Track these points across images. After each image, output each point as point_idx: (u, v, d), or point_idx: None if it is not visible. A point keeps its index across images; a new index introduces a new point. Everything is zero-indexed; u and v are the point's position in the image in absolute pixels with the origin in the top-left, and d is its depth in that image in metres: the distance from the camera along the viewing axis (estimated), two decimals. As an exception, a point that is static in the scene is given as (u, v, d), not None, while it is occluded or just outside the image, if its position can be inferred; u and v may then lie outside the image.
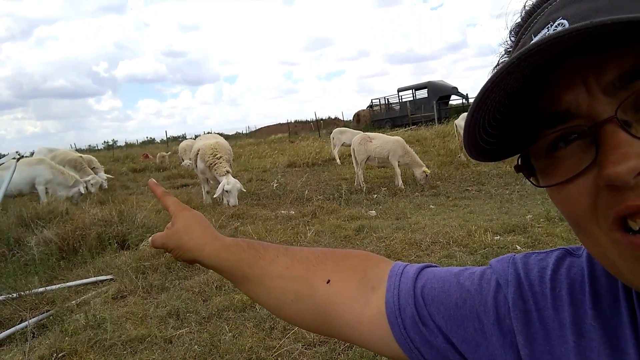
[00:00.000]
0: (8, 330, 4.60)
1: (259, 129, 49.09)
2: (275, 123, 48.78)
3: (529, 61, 0.50)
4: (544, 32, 0.54)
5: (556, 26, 0.53)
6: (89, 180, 12.91)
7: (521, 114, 0.60)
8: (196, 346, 4.00)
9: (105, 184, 14.68)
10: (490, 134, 0.61)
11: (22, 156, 5.42)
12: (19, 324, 4.70)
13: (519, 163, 0.63)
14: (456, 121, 14.22)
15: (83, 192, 12.03)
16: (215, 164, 9.67)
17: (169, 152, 23.97)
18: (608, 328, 0.60)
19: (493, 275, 0.74)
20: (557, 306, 0.66)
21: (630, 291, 0.61)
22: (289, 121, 45.82)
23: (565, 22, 0.52)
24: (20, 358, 4.01)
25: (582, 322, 0.63)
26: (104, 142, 56.58)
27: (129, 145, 49.70)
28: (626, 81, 0.50)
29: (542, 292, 0.68)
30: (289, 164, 16.63)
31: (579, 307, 0.64)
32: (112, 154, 32.76)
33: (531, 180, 0.63)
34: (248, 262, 0.92)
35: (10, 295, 5.25)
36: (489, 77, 0.52)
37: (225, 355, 3.75)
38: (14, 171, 5.59)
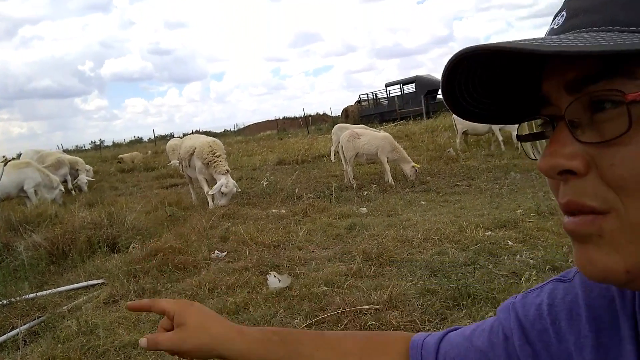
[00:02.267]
0: (0, 338, 4.55)
1: (247, 127, 48.99)
2: (263, 120, 48.73)
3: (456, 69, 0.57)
4: (554, 21, 0.56)
5: (560, 17, 0.55)
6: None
7: (520, 88, 0.62)
8: (190, 350, 3.97)
9: (84, 187, 14.62)
10: (475, 98, 0.63)
11: (9, 160, 5.35)
12: (10, 332, 4.65)
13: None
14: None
15: (62, 190, 12.15)
16: (214, 162, 9.57)
17: (149, 153, 23.88)
18: (610, 347, 0.61)
19: (500, 327, 0.75)
20: (560, 338, 0.67)
21: (630, 304, 0.61)
22: (277, 118, 45.76)
23: (564, 14, 0.55)
24: (10, 366, 3.98)
25: (583, 347, 0.63)
26: (91, 142, 56.23)
27: (116, 145, 49.38)
28: (586, 83, 0.51)
29: (544, 328, 0.69)
30: (278, 161, 16.60)
31: (579, 333, 0.64)
32: (99, 154, 32.57)
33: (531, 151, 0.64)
34: None
35: (1, 302, 5.20)
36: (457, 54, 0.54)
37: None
38: (1, 175, 5.52)
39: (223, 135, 42.96)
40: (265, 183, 11.22)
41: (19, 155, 14.79)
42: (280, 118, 47.03)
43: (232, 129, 51.26)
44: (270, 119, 46.59)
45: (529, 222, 6.12)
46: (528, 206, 6.81)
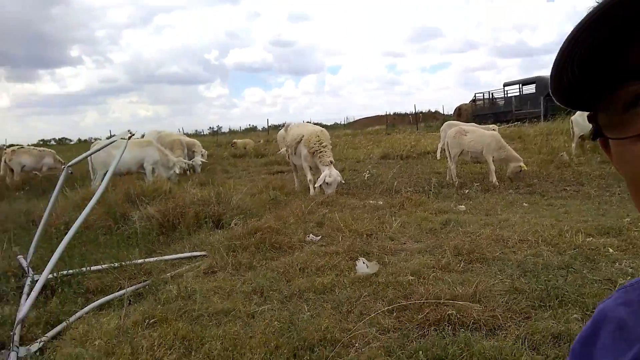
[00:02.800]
0: (108, 297, 5.03)
1: (356, 121, 49.29)
2: (373, 115, 48.78)
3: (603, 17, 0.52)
4: None
5: None
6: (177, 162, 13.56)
7: (607, 64, 0.58)
8: (276, 322, 4.19)
9: (198, 169, 15.42)
10: (576, 77, 0.61)
11: (133, 134, 5.84)
12: (118, 291, 5.11)
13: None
14: (573, 117, 13.09)
15: (178, 172, 12.86)
16: (320, 151, 9.76)
17: (261, 141, 24.63)
18: None
19: None
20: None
21: None
22: (387, 113, 45.59)
23: None
24: (116, 322, 4.38)
25: None
26: (210, 127, 59.06)
27: (232, 132, 51.55)
28: None
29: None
30: (382, 155, 16.64)
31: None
32: (215, 140, 34.19)
33: (601, 131, 0.63)
34: None
35: (113, 265, 5.71)
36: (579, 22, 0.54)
37: (302, 332, 3.90)
38: (124, 150, 6.04)
39: (332, 127, 43.51)
40: (367, 175, 11.33)
41: (142, 136, 15.87)
42: (391, 114, 46.86)
43: (342, 122, 51.80)
44: (380, 114, 46.51)
45: (635, 231, 5.78)
46: (637, 215, 6.42)
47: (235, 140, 25.69)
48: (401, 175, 11.45)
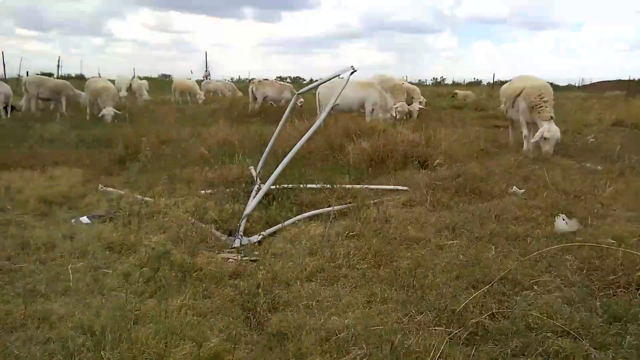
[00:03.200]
0: (318, 210, 5.72)
1: (593, 84, 44.98)
2: (614, 79, 44.04)
3: None
4: None
5: None
6: (396, 107, 13.88)
7: None
8: (461, 256, 4.44)
9: (415, 114, 15.67)
10: None
11: (355, 70, 6.36)
12: (327, 207, 5.76)
13: None
14: None
15: (397, 116, 13.23)
16: (540, 106, 9.30)
17: (483, 95, 23.95)
18: None
19: None
20: None
21: None
22: (631, 79, 40.76)
23: None
24: (322, 230, 5.02)
25: None
26: (433, 78, 58.70)
27: (455, 84, 50.65)
28: None
29: None
30: (614, 122, 15.24)
31: None
32: (437, 90, 34.14)
33: None
34: None
35: (325, 185, 6.39)
36: None
37: (484, 269, 4.10)
38: (345, 83, 6.62)
39: (565, 88, 40.46)
40: (590, 139, 10.67)
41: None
42: (635, 79, 41.81)
43: (577, 84, 47.76)
44: (622, 79, 41.75)
45: None
46: None
47: (456, 90, 25.45)
48: (628, 144, 10.51)
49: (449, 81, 55.31)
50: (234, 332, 3.11)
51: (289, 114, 7.11)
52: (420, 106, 16.63)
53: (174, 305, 3.40)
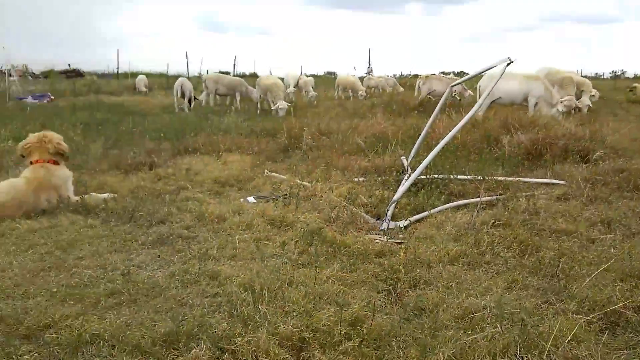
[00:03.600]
0: (466, 200, 5.80)
1: None
2: None
3: None
4: None
5: None
6: (563, 101, 13.05)
7: None
8: (613, 249, 4.28)
9: (584, 110, 14.66)
10: None
11: (512, 61, 6.26)
12: (473, 199, 5.80)
13: None
14: None
15: (563, 110, 12.49)
16: None
17: None
18: None
19: None
20: None
21: None
22: None
23: None
24: (467, 218, 5.11)
25: None
26: (612, 71, 54.08)
27: (636, 78, 46.11)
28: None
29: None
30: None
31: None
32: (614, 83, 31.64)
33: None
34: None
35: (476, 177, 6.42)
36: None
37: (635, 263, 3.92)
38: (501, 75, 6.57)
39: None
40: None
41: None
42: None
43: None
44: None
45: None
46: None
47: (635, 84, 23.32)
48: None
49: (629, 74, 50.58)
50: (375, 301, 3.39)
51: (442, 106, 7.20)
52: (594, 99, 15.58)
53: (323, 275, 3.76)
